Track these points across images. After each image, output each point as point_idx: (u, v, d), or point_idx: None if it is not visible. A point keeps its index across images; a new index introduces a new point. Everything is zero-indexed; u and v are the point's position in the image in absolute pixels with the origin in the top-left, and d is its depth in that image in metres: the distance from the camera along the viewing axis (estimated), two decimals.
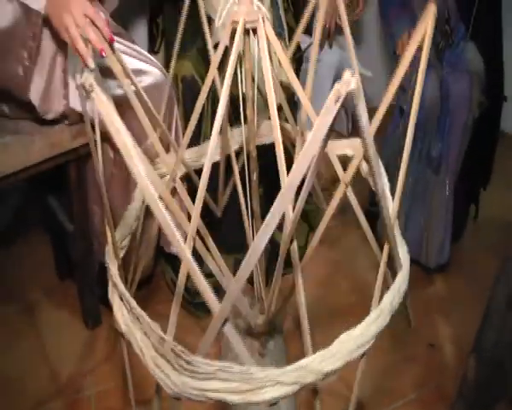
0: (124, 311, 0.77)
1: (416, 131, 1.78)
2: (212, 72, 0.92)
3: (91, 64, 0.86)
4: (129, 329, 0.75)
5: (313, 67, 1.11)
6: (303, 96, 0.98)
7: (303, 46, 1.89)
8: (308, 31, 1.92)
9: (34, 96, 1.12)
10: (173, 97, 1.42)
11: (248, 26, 0.87)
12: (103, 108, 0.60)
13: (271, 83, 0.85)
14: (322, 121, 0.49)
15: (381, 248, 0.86)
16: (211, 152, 0.80)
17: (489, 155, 1.86)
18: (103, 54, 0.91)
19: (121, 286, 0.79)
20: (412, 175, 1.75)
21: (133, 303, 0.73)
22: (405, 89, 1.81)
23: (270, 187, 1.36)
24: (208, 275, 1.33)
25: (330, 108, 0.48)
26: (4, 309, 1.62)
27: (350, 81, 0.47)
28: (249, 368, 0.64)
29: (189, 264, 0.62)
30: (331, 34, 1.95)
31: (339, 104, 0.48)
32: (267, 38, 0.88)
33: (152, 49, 1.80)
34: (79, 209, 1.39)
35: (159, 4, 1.72)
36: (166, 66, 1.68)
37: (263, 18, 0.87)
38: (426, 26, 0.77)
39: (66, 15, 0.97)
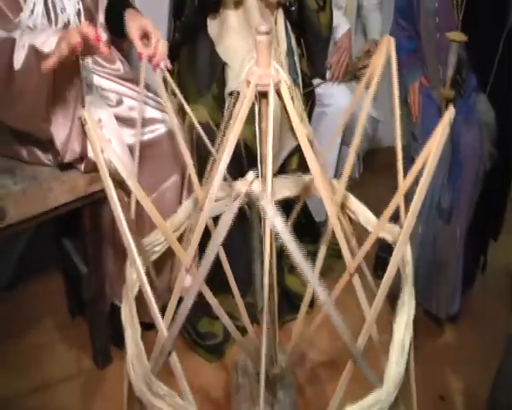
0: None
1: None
2: (227, 122, 0.93)
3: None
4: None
5: None
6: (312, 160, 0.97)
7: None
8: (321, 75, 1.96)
9: (55, 135, 1.14)
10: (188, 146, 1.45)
11: (263, 89, 0.88)
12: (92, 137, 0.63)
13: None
14: (224, 219, 0.50)
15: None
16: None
17: (500, 207, 1.84)
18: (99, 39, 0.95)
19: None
20: (422, 224, 1.75)
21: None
22: (417, 138, 1.82)
23: None
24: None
25: (231, 207, 0.50)
26: (15, 345, 1.63)
27: (252, 182, 0.48)
28: None
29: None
30: (343, 70, 1.99)
31: (238, 202, 0.49)
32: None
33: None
34: (93, 252, 1.41)
35: (175, 47, 1.76)
36: (181, 108, 1.73)
37: (279, 82, 0.89)
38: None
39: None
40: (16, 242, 1.82)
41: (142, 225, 1.25)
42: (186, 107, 1.18)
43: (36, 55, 1.00)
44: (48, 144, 1.19)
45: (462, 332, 1.80)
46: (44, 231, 1.73)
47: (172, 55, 1.76)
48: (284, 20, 1.67)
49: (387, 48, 0.96)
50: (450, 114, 0.84)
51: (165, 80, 1.16)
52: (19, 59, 1.00)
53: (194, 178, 1.06)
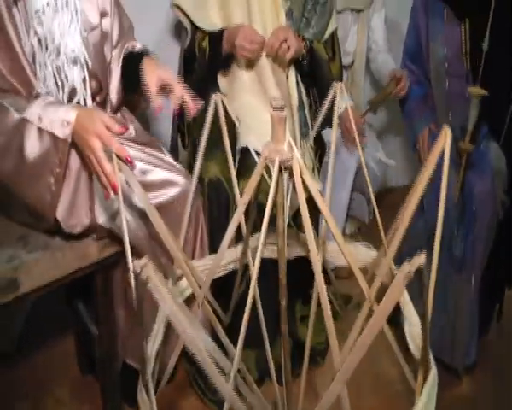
0: None
1: (436, 226, 1.76)
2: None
3: (117, 189, 0.92)
4: None
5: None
6: (324, 209, 0.96)
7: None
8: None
9: (60, 213, 1.15)
10: (199, 205, 1.44)
11: (279, 164, 0.88)
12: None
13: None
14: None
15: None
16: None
17: None
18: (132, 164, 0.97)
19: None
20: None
21: None
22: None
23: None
24: None
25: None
26: (24, 402, 1.61)
27: None
28: None
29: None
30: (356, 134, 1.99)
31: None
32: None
33: (182, 145, 1.85)
34: (105, 314, 1.39)
35: None
36: (193, 161, 1.73)
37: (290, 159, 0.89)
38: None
39: (92, 138, 1.02)
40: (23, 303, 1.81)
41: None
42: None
43: (52, 141, 1.02)
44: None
45: (478, 382, 1.76)
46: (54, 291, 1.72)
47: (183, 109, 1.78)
48: (295, 74, 1.67)
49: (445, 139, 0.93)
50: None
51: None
52: (31, 147, 1.01)
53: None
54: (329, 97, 1.09)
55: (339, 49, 1.85)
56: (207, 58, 1.62)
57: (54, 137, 1.04)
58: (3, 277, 1.14)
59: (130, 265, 0.80)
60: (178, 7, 1.67)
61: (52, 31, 1.05)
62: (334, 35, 1.83)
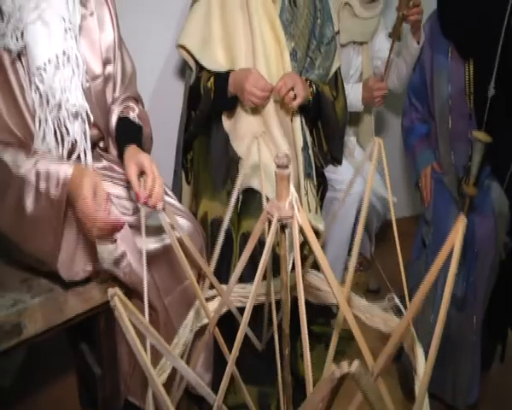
0: None
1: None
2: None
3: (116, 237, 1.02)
4: None
5: None
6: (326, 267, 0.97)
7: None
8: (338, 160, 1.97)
9: (61, 265, 1.17)
10: (203, 245, 1.45)
11: (282, 221, 0.90)
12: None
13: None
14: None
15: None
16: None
17: None
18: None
19: None
20: (434, 312, 1.73)
21: None
22: (428, 223, 1.81)
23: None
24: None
25: None
26: None
27: None
28: None
29: None
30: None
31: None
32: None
33: (186, 180, 1.87)
34: (108, 354, 1.40)
35: (189, 138, 1.80)
36: (195, 196, 1.74)
37: (295, 215, 0.90)
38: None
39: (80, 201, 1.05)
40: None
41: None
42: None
43: (48, 201, 1.05)
44: None
45: None
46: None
47: (187, 145, 1.80)
48: (300, 116, 1.69)
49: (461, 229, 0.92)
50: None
51: None
52: (30, 203, 1.05)
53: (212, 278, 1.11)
54: (368, 152, 1.10)
55: (342, 87, 1.87)
56: (212, 98, 1.65)
57: (49, 198, 1.06)
58: (8, 321, 1.16)
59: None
60: (183, 47, 1.70)
61: (53, 87, 1.06)
62: (337, 73, 1.85)
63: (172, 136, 1.83)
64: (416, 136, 1.95)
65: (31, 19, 1.01)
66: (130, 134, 1.31)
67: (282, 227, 0.95)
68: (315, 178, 1.77)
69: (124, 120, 1.34)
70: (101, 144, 1.33)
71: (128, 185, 1.33)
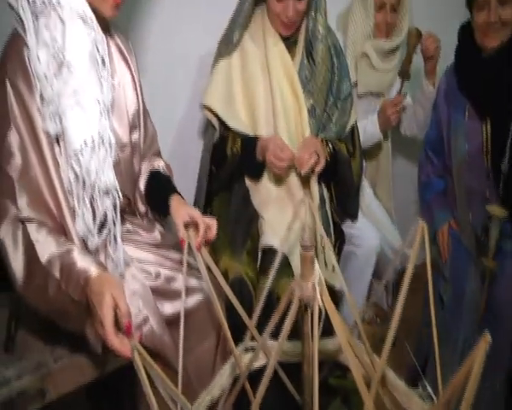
0: None
1: (456, 321, 1.75)
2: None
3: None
4: None
5: None
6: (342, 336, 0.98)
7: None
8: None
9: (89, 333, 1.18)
10: (222, 306, 1.47)
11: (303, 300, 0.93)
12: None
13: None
14: None
15: None
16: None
17: None
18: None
19: None
20: (453, 369, 1.72)
21: None
22: (446, 280, 1.82)
23: None
24: None
25: None
26: None
27: None
28: None
29: None
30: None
31: None
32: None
33: None
34: None
35: (211, 193, 1.85)
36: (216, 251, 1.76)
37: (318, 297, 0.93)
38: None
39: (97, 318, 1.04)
40: None
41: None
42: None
43: (69, 298, 1.07)
44: None
45: None
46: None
47: (208, 199, 1.84)
48: (317, 175, 1.72)
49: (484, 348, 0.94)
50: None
51: None
52: (52, 293, 1.08)
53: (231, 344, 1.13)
54: (409, 237, 1.09)
55: (359, 142, 1.91)
56: (239, 162, 1.71)
57: (69, 296, 1.07)
58: (32, 387, 1.17)
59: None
60: (208, 108, 1.76)
61: (89, 169, 1.11)
62: (354, 128, 1.89)
63: (188, 191, 1.88)
64: (433, 192, 1.96)
65: (69, 104, 1.06)
66: (167, 186, 1.41)
67: (306, 306, 0.97)
68: (332, 234, 1.80)
69: (156, 175, 1.43)
70: (128, 210, 1.38)
71: (150, 250, 1.37)
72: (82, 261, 1.10)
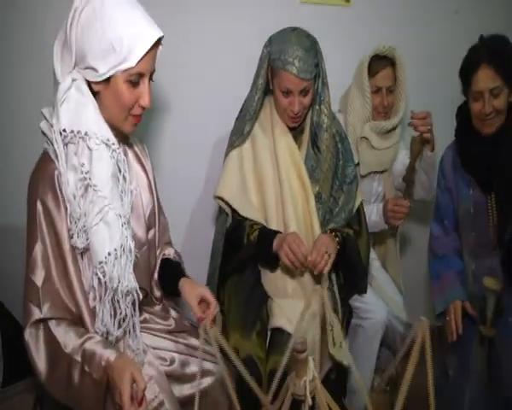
0: None
1: (461, 390, 1.83)
2: None
3: None
4: None
5: None
6: None
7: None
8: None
9: None
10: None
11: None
12: None
13: None
14: None
15: None
16: None
17: None
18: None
19: None
20: None
21: None
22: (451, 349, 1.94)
23: None
24: None
25: None
26: None
27: None
28: None
29: None
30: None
31: None
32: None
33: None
34: None
35: (224, 274, 1.99)
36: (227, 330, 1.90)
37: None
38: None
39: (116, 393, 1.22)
40: None
41: None
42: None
43: (91, 380, 1.24)
44: None
45: None
46: None
47: (221, 280, 1.99)
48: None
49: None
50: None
51: None
52: (76, 379, 1.25)
53: None
54: (410, 337, 1.11)
55: (365, 221, 2.04)
56: (255, 251, 1.84)
57: (92, 377, 1.24)
58: None
59: None
60: (221, 198, 1.92)
61: (112, 277, 1.27)
62: (360, 208, 2.02)
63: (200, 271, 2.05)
64: (450, 268, 2.01)
65: (94, 222, 1.24)
66: (176, 270, 1.58)
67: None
68: (340, 310, 1.91)
69: (167, 262, 1.60)
70: (144, 302, 1.52)
71: (166, 336, 1.53)
72: (103, 347, 1.28)
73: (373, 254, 2.36)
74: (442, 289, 2.00)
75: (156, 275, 1.59)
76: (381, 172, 2.31)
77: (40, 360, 1.27)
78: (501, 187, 1.83)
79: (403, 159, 2.29)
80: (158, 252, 1.61)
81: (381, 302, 2.14)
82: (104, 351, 1.26)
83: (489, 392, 1.80)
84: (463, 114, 1.95)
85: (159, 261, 1.60)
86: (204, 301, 1.50)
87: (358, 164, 2.21)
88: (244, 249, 1.87)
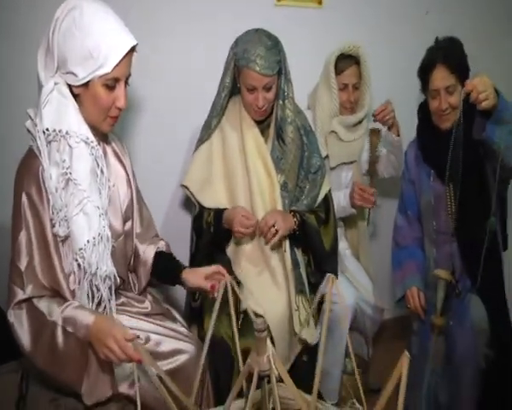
0: None
1: (421, 370, 2.05)
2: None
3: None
4: None
5: None
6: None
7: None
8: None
9: (84, 392, 1.47)
10: (206, 365, 1.76)
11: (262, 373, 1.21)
12: None
13: None
14: None
15: None
16: None
17: (504, 403, 2.02)
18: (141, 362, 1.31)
19: None
20: None
21: None
22: (414, 331, 2.18)
23: None
24: None
25: None
26: None
27: None
28: None
29: None
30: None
31: None
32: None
33: (192, 299, 2.22)
34: None
35: (197, 262, 2.13)
36: (202, 315, 2.08)
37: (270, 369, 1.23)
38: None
39: (109, 340, 1.38)
40: None
41: None
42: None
43: (74, 339, 1.41)
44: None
45: None
46: None
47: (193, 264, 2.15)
48: (289, 242, 2.06)
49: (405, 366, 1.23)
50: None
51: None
52: (61, 342, 1.41)
53: None
54: (320, 290, 1.40)
55: (333, 210, 2.23)
56: (212, 232, 2.05)
57: (75, 337, 1.41)
58: None
59: None
60: (187, 187, 2.13)
61: (90, 262, 1.45)
62: (327, 197, 2.21)
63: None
64: (412, 258, 2.25)
65: (75, 212, 1.41)
66: (176, 263, 1.78)
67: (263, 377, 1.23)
68: (308, 293, 2.10)
69: (161, 254, 1.79)
70: (122, 287, 1.70)
71: (142, 318, 1.70)
72: (83, 310, 1.46)
73: (345, 244, 2.59)
74: (402, 277, 2.23)
75: (149, 267, 1.77)
76: (350, 162, 2.50)
77: (24, 333, 1.43)
78: (457, 178, 2.03)
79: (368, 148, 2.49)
80: (150, 247, 1.79)
81: (350, 288, 2.35)
82: (85, 312, 1.44)
83: (446, 376, 2.01)
84: (424, 111, 2.17)
85: (152, 256, 1.78)
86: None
87: (327, 157, 2.39)
88: (204, 234, 2.08)
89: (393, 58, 2.77)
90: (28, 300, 1.44)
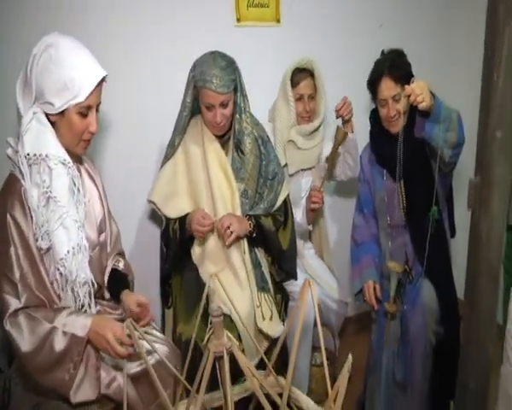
0: None
1: (379, 354, 2.31)
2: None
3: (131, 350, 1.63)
4: None
5: None
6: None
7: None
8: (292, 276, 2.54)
9: (72, 392, 1.67)
10: (178, 364, 1.96)
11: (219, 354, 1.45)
12: None
13: None
14: None
15: None
16: None
17: (452, 374, 2.15)
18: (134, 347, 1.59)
19: None
20: (381, 395, 2.30)
21: None
22: (374, 319, 2.43)
23: None
24: None
25: None
26: None
27: None
28: None
29: None
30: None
31: None
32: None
33: (166, 306, 2.48)
34: None
35: (166, 274, 2.44)
36: (175, 320, 2.31)
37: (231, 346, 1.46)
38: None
39: (107, 333, 1.63)
40: None
41: None
42: None
43: (74, 339, 1.63)
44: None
45: None
46: None
47: (166, 278, 2.44)
48: (248, 244, 2.32)
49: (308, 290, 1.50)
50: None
51: None
52: (59, 343, 1.62)
53: None
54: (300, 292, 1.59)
55: (291, 212, 2.50)
56: (178, 237, 2.31)
57: (75, 336, 1.63)
58: None
59: None
60: (153, 202, 2.38)
61: (71, 270, 1.68)
62: (286, 201, 2.47)
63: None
64: (368, 253, 2.50)
65: (55, 226, 1.64)
66: (122, 282, 1.99)
67: (221, 357, 1.47)
68: (272, 291, 2.35)
69: (115, 272, 2.01)
70: (97, 295, 1.93)
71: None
72: (79, 313, 1.70)
73: (309, 245, 2.86)
74: (360, 271, 2.50)
75: (106, 280, 1.99)
76: (309, 169, 2.75)
77: (23, 336, 1.62)
78: (406, 175, 2.30)
79: (327, 152, 2.69)
80: (110, 261, 2.02)
81: (315, 288, 2.57)
82: (82, 314, 1.69)
83: (401, 356, 2.27)
84: (375, 116, 2.45)
85: (109, 269, 2.01)
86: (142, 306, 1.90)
87: (286, 165, 2.64)
88: (172, 242, 2.34)
89: (349, 69, 3.05)
90: (24, 309, 1.64)
